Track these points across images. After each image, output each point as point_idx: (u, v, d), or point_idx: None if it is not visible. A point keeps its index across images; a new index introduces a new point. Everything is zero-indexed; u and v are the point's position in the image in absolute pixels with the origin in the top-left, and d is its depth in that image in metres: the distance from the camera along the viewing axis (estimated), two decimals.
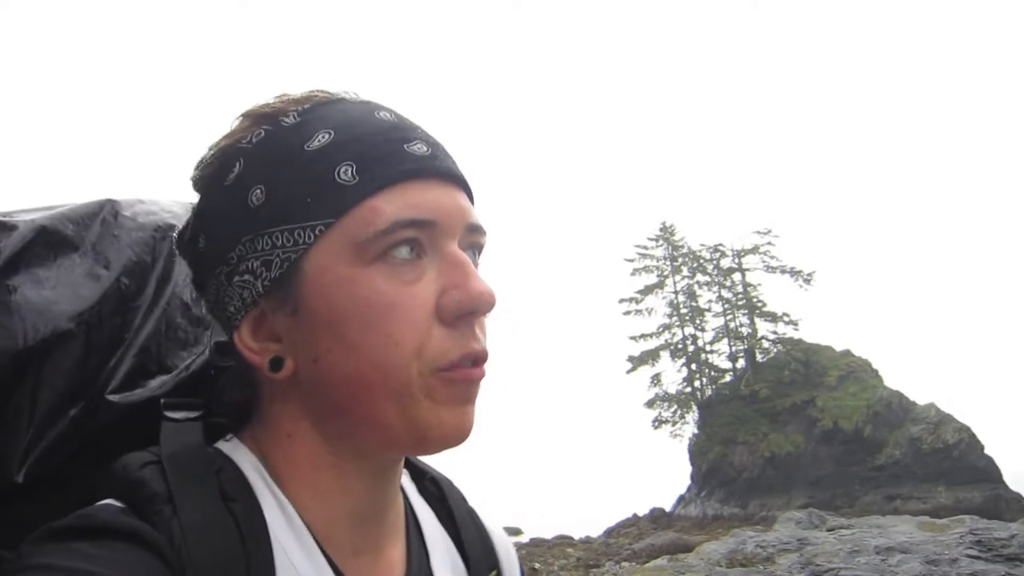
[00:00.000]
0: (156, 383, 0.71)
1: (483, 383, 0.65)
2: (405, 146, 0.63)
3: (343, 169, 0.60)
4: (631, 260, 36.20)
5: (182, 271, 0.77)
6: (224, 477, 0.60)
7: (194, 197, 0.72)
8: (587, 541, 23.37)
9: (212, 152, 0.66)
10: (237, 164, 0.64)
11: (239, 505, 0.59)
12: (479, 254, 0.68)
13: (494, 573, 0.78)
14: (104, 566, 0.50)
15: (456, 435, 0.62)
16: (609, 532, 26.36)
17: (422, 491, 0.79)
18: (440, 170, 0.63)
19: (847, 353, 32.64)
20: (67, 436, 0.66)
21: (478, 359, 0.62)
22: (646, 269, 36.17)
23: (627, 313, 35.59)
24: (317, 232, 0.60)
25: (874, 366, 31.96)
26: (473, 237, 0.65)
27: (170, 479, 0.57)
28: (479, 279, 0.62)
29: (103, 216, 0.76)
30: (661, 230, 36.63)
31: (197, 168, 0.67)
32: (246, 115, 0.66)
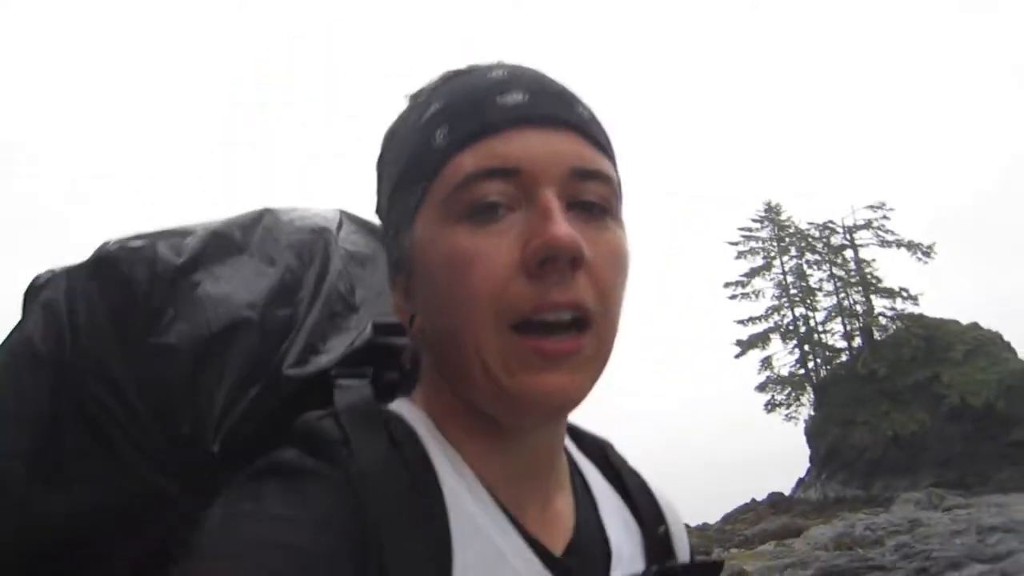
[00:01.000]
0: (325, 359, 0.76)
1: (592, 351, 0.61)
2: (498, 99, 0.62)
3: (439, 133, 0.62)
4: (736, 243, 35.57)
5: (336, 267, 0.84)
6: (392, 427, 0.64)
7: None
8: (703, 528, 23.31)
9: (385, 134, 0.72)
10: (387, 144, 0.71)
11: (407, 449, 0.62)
12: (602, 205, 0.63)
13: (663, 528, 0.78)
14: (286, 503, 0.55)
15: (542, 402, 0.60)
16: (726, 518, 26.25)
17: (585, 452, 0.80)
18: (535, 116, 0.61)
19: (974, 326, 30.87)
20: (253, 409, 0.73)
21: (565, 310, 0.59)
22: (752, 251, 35.45)
23: (733, 297, 35.04)
24: (418, 196, 0.63)
25: (1005, 338, 30.05)
26: (584, 185, 0.61)
27: (344, 425, 0.61)
28: (560, 223, 0.58)
29: (264, 222, 0.86)
30: (766, 210, 35.79)
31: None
32: (405, 97, 0.71)
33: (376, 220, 0.76)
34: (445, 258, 0.60)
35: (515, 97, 0.62)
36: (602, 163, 0.64)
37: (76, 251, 0.84)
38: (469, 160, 0.60)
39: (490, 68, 0.66)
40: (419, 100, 0.68)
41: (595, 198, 0.62)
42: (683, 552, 0.80)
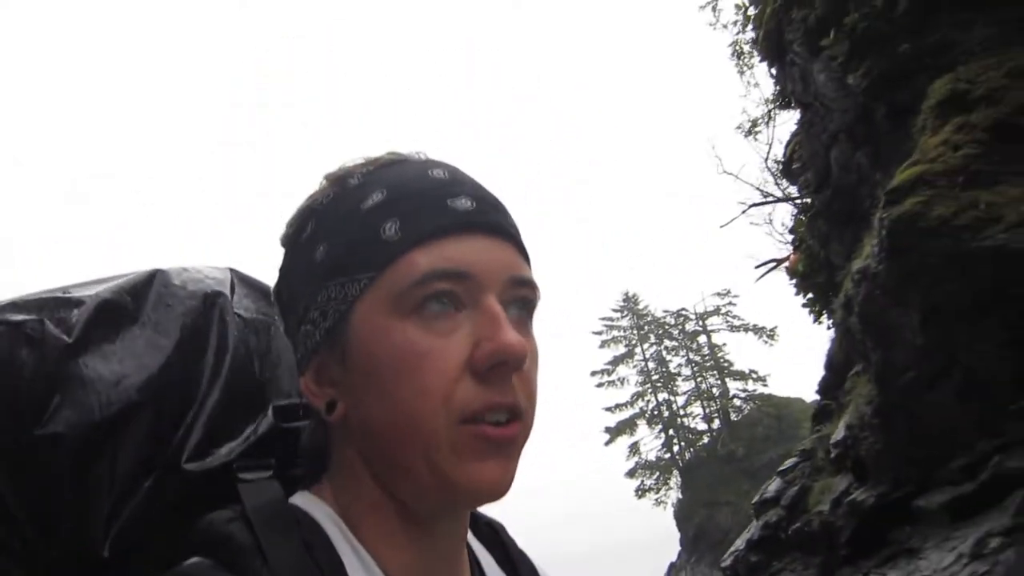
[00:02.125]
0: (225, 450, 0.72)
1: (522, 441, 0.65)
2: (449, 201, 0.64)
3: (388, 225, 0.63)
4: (599, 332, 36.67)
5: (235, 337, 0.80)
6: (303, 529, 0.62)
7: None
8: None
9: (295, 213, 0.71)
10: (310, 223, 0.69)
11: (321, 555, 0.60)
12: (528, 310, 0.67)
13: None
14: None
15: (485, 490, 0.62)
16: None
17: (478, 535, 0.80)
18: (482, 223, 0.64)
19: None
20: (146, 506, 0.68)
21: (504, 411, 0.62)
22: (614, 340, 36.58)
23: (600, 385, 35.77)
24: (363, 285, 0.63)
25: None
26: (518, 291, 0.65)
27: (257, 532, 0.59)
28: (509, 331, 0.61)
29: (156, 287, 0.79)
30: (625, 300, 37.30)
31: (285, 227, 0.71)
32: (325, 177, 0.70)
33: (266, 281, 0.75)
34: (396, 351, 0.61)
35: (464, 203, 0.65)
36: (529, 271, 0.68)
37: (76, 250, 0.96)
38: (424, 259, 0.61)
39: (428, 165, 0.69)
40: (351, 184, 0.67)
41: (525, 302, 0.66)
42: None
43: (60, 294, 0.75)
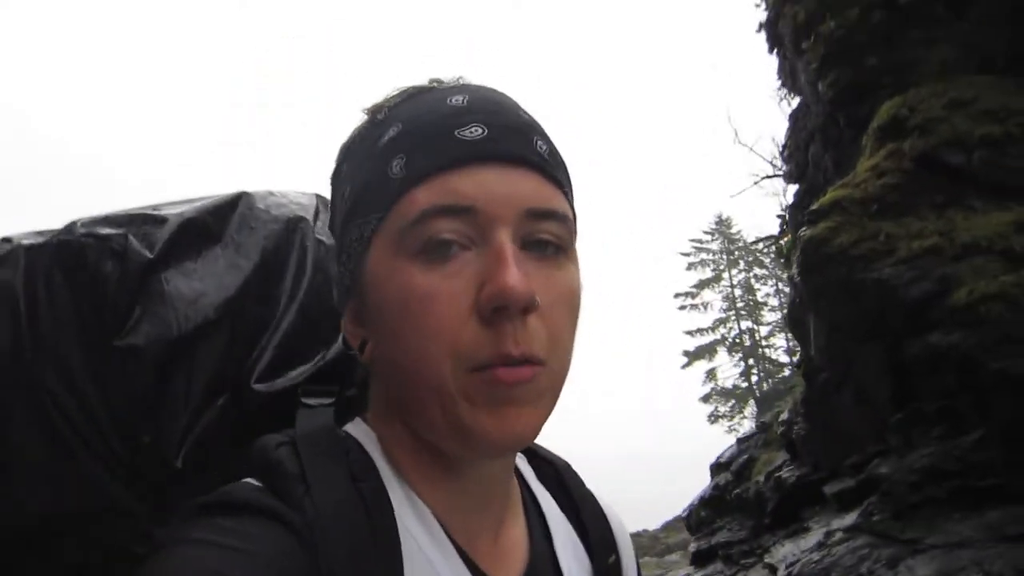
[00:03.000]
0: (296, 372, 0.74)
1: (547, 384, 0.61)
2: (457, 132, 0.60)
3: (395, 163, 0.61)
4: (687, 254, 36.58)
5: (313, 263, 0.81)
6: (352, 458, 0.62)
7: (318, 188, 0.85)
8: (638, 535, 24.13)
9: (340, 148, 0.70)
10: (344, 163, 0.69)
11: (366, 486, 0.60)
12: (556, 244, 0.62)
13: (613, 558, 0.76)
14: (243, 539, 0.52)
15: (500, 440, 0.59)
16: (665, 526, 27.17)
17: (539, 475, 0.78)
18: (492, 152, 0.60)
19: None
20: (217, 423, 0.70)
21: (512, 362, 0.58)
22: (702, 263, 36.38)
23: (683, 308, 36.02)
24: (373, 226, 0.62)
25: None
26: (538, 224, 0.61)
27: (303, 459, 0.59)
28: (513, 271, 0.57)
29: (240, 209, 0.80)
30: (717, 223, 36.80)
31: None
32: (363, 110, 0.68)
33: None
34: (399, 295, 0.59)
35: (473, 131, 0.60)
36: (558, 201, 0.62)
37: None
38: (424, 196, 0.59)
39: (451, 90, 0.65)
40: (378, 119, 0.66)
41: (549, 237, 0.61)
42: None
43: (149, 211, 0.77)
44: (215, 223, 0.79)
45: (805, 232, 5.69)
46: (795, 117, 7.61)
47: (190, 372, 0.71)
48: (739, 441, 8.68)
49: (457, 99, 0.64)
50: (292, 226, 0.83)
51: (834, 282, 5.50)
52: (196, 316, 0.72)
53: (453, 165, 0.60)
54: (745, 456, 8.09)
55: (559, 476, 0.80)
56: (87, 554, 0.70)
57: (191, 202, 0.80)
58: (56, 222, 0.78)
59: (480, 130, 0.61)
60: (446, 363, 0.58)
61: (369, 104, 0.68)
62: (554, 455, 0.82)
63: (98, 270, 0.72)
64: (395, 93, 0.68)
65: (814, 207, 5.75)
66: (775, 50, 7.59)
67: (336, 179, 0.70)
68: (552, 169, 0.63)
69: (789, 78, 7.51)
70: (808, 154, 7.33)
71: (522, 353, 0.58)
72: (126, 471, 0.69)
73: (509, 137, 0.62)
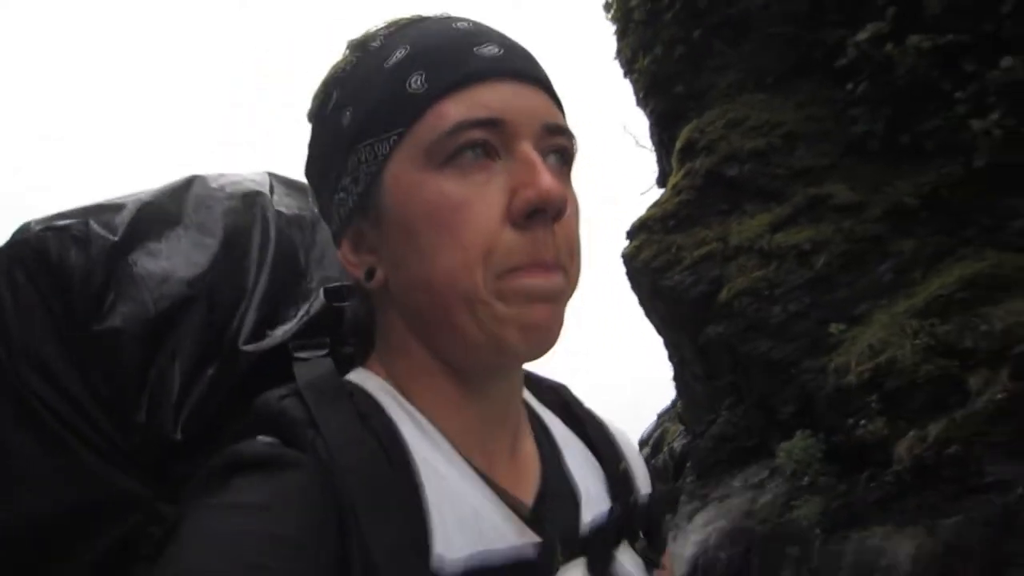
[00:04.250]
0: (280, 332, 0.74)
1: (568, 293, 0.64)
2: (475, 49, 0.62)
3: (414, 79, 0.61)
4: None
5: (276, 231, 0.82)
6: (357, 399, 0.63)
7: (269, 168, 0.89)
8: None
9: (318, 86, 0.69)
10: (335, 92, 0.68)
11: (375, 421, 0.61)
12: (565, 159, 0.65)
13: (622, 465, 0.78)
14: (259, 494, 0.53)
15: (535, 336, 0.61)
16: None
17: (543, 401, 0.81)
18: (512, 70, 0.63)
19: None
20: (211, 390, 0.71)
21: (548, 266, 0.60)
22: None
23: None
24: (392, 142, 0.62)
25: None
26: (553, 139, 0.63)
27: (309, 404, 0.60)
28: (547, 176, 0.59)
29: (194, 190, 0.82)
30: None
31: (311, 102, 0.70)
32: (347, 45, 0.69)
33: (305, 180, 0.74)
34: (430, 204, 0.59)
35: (492, 49, 0.62)
36: (564, 118, 0.66)
37: None
38: (453, 108, 0.60)
39: (451, 19, 0.66)
40: (372, 47, 0.66)
41: (561, 151, 0.65)
42: (644, 485, 0.80)
43: (104, 201, 0.78)
44: (173, 205, 0.80)
45: (623, 249, 6.83)
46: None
47: (174, 347, 0.71)
48: (658, 416, 9.77)
49: (462, 24, 0.65)
50: (250, 200, 0.84)
51: (647, 289, 6.64)
52: (170, 293, 0.73)
53: (478, 79, 0.61)
54: (660, 429, 9.21)
55: (560, 398, 0.82)
56: (104, 546, 0.69)
57: (145, 190, 0.82)
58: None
59: (497, 49, 0.63)
60: (478, 270, 0.59)
61: (353, 39, 0.69)
62: (552, 380, 0.83)
63: (62, 260, 0.71)
64: (383, 24, 0.68)
65: (630, 228, 6.87)
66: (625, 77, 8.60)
67: (321, 111, 0.69)
68: (556, 92, 0.66)
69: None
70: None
71: (553, 258, 0.61)
72: (125, 455, 0.69)
73: (523, 58, 0.65)
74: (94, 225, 0.74)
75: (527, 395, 0.78)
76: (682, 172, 6.82)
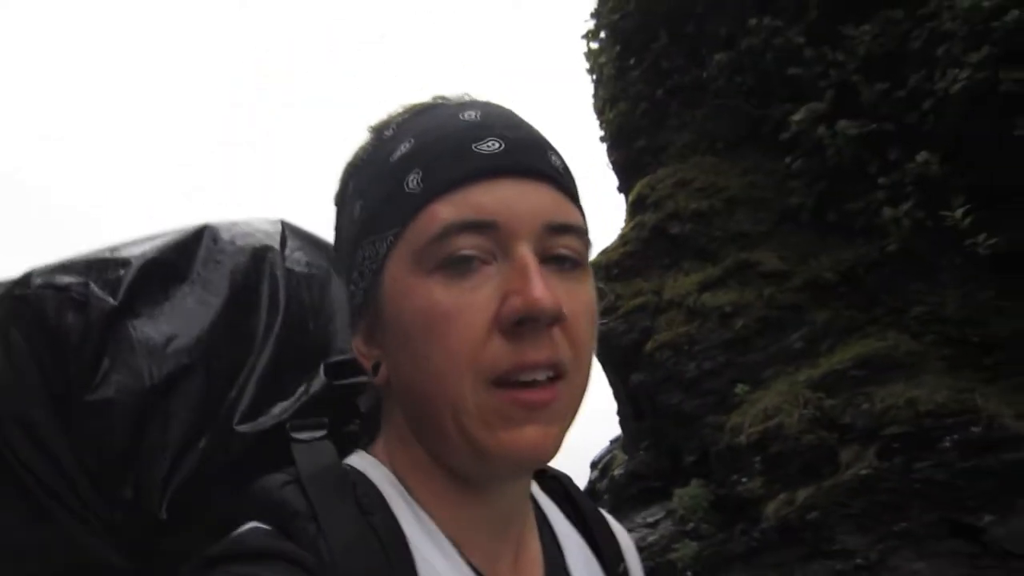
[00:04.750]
0: (278, 409, 0.72)
1: (567, 402, 0.61)
2: (474, 145, 0.60)
3: (411, 177, 0.60)
4: None
5: (286, 294, 0.79)
6: (359, 492, 0.60)
7: (280, 215, 0.85)
8: None
9: (343, 168, 0.69)
10: (351, 182, 0.67)
11: (378, 518, 0.59)
12: (575, 259, 0.62)
13: (623, 567, 0.76)
14: None
15: (520, 458, 0.59)
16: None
17: (545, 490, 0.78)
18: (511, 166, 0.60)
19: None
20: (201, 468, 0.69)
21: (540, 369, 0.58)
22: None
23: None
24: (389, 242, 0.61)
25: None
26: (557, 239, 0.60)
27: (311, 497, 0.58)
28: (537, 284, 0.56)
29: (204, 242, 0.79)
30: None
31: (336, 184, 0.69)
32: (368, 128, 0.68)
33: (320, 232, 0.75)
34: (420, 312, 0.58)
35: (491, 145, 0.60)
36: (574, 215, 0.63)
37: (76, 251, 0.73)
38: (446, 210, 0.58)
39: (461, 107, 0.65)
40: (385, 135, 0.66)
41: (568, 252, 0.61)
42: None
43: (108, 254, 0.76)
44: (180, 260, 0.78)
45: None
46: None
47: (166, 420, 0.69)
48: (611, 442, 10.18)
49: (470, 114, 0.64)
50: (260, 255, 0.81)
51: None
52: (168, 362, 0.71)
53: (473, 179, 0.59)
54: (610, 455, 9.65)
55: (565, 490, 0.80)
56: None
57: (153, 239, 0.80)
58: (51, 228, 0.92)
59: (497, 144, 0.60)
60: (465, 379, 0.57)
61: (374, 122, 0.69)
62: (555, 469, 0.81)
63: (59, 323, 0.70)
64: (401, 110, 0.68)
65: None
66: None
67: (342, 198, 0.69)
68: (567, 182, 0.64)
69: None
70: None
71: (547, 359, 0.58)
72: (108, 528, 0.68)
73: (526, 151, 0.62)
74: (94, 288, 0.73)
75: (532, 484, 0.75)
76: (632, 224, 7.26)
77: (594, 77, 8.76)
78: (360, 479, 0.62)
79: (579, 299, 0.61)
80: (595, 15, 8.65)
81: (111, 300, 0.72)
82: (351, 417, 0.74)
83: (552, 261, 0.60)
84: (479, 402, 0.58)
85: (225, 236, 0.82)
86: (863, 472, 4.76)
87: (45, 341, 0.70)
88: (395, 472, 0.64)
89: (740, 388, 5.73)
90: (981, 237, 5.08)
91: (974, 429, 4.70)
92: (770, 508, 4.90)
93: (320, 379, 0.75)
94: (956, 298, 5.50)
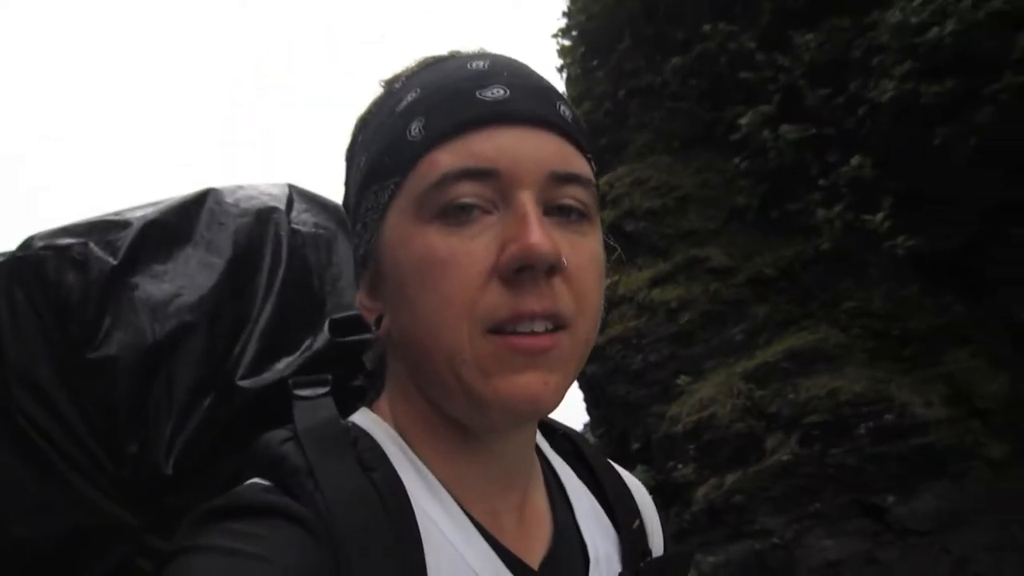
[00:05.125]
0: (282, 365, 0.72)
1: (569, 351, 0.59)
2: (478, 92, 0.59)
3: (414, 126, 0.59)
4: None
5: (289, 253, 0.79)
6: (360, 447, 0.60)
7: (287, 179, 0.85)
8: None
9: (354, 123, 0.68)
10: (360, 134, 0.67)
11: (378, 474, 0.58)
12: (580, 210, 0.60)
13: (638, 523, 0.75)
14: (258, 544, 0.51)
15: (518, 406, 0.57)
16: None
17: (556, 447, 0.77)
18: (515, 113, 0.58)
19: None
20: (206, 424, 0.69)
21: (540, 320, 0.56)
22: None
23: None
24: (390, 191, 0.60)
25: None
26: (561, 189, 0.58)
27: (308, 453, 0.57)
28: (537, 230, 0.55)
29: (208, 205, 0.80)
30: None
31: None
32: (379, 82, 0.67)
33: (329, 194, 0.74)
34: (417, 260, 0.57)
35: (495, 92, 0.59)
36: (581, 165, 0.61)
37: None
38: (445, 158, 0.57)
39: (471, 57, 0.63)
40: (394, 87, 0.65)
41: (573, 202, 0.59)
42: (657, 545, 0.78)
43: (111, 217, 0.77)
44: (182, 222, 0.78)
45: None
46: None
47: (170, 377, 0.70)
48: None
49: (478, 64, 0.62)
50: (264, 217, 0.81)
51: None
52: (171, 320, 0.71)
53: (475, 125, 0.57)
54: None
55: (576, 447, 0.78)
56: (90, 574, 0.69)
57: (156, 204, 0.80)
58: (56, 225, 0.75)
59: (502, 91, 0.59)
60: (462, 327, 0.56)
61: (387, 76, 0.67)
62: (568, 428, 0.80)
63: (59, 282, 0.70)
64: (412, 64, 0.66)
65: None
66: None
67: (351, 152, 0.68)
68: (574, 132, 0.61)
69: None
70: None
71: (545, 310, 0.56)
72: (115, 485, 0.68)
73: (532, 98, 0.60)
74: (94, 247, 0.73)
75: (541, 441, 0.75)
76: None
77: (563, 75, 9.07)
78: (362, 435, 0.62)
79: (584, 251, 0.60)
80: (566, 14, 8.95)
81: (111, 260, 0.73)
82: (355, 374, 0.73)
83: (557, 212, 0.59)
84: (476, 350, 0.56)
85: (229, 199, 0.83)
86: (784, 458, 5.14)
87: (46, 301, 0.71)
88: (397, 428, 0.64)
89: (682, 379, 6.10)
90: (900, 239, 5.43)
91: (887, 417, 5.09)
92: (700, 492, 5.29)
93: (325, 335, 0.76)
94: (882, 294, 5.86)
